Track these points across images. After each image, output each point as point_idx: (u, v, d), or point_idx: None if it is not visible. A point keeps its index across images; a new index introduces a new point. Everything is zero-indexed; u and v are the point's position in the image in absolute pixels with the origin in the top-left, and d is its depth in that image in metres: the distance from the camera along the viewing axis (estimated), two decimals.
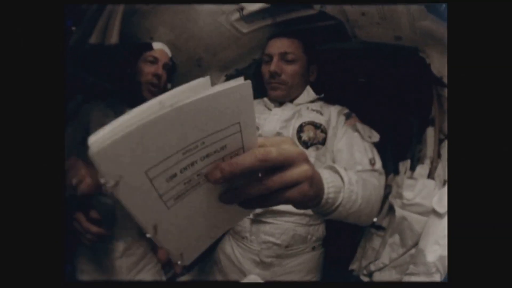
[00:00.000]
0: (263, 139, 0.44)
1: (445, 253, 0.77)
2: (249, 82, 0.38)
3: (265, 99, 1.17)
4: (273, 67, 1.07)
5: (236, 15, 1.14)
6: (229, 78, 1.37)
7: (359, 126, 1.03)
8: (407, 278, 0.84)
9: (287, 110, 1.10)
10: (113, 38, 0.91)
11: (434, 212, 0.82)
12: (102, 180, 0.35)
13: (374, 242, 1.07)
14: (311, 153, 1.02)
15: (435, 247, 0.79)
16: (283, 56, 1.08)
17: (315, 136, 1.03)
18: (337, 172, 0.73)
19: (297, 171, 0.43)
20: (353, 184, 0.74)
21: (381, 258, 1.00)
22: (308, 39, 1.12)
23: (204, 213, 0.45)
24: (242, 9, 1.13)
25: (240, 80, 0.38)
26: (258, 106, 1.18)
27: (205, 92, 0.36)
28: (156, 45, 1.12)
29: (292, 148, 0.43)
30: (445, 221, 0.80)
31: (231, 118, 0.39)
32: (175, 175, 0.39)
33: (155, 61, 1.10)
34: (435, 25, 0.81)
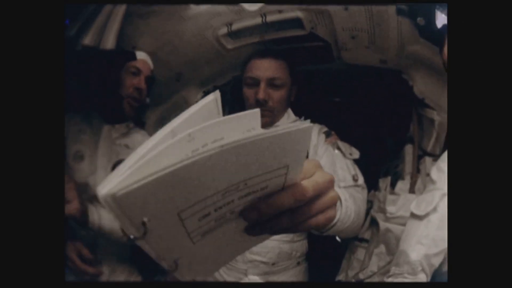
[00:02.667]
0: None
1: (430, 251, 0.79)
2: (311, 126, 0.36)
3: None
4: (261, 95, 1.03)
5: (224, 30, 1.13)
6: (207, 94, 1.33)
7: (340, 144, 1.07)
8: (389, 280, 0.84)
9: None
10: (110, 42, 0.83)
11: (413, 215, 0.85)
12: (124, 229, 0.31)
13: (359, 254, 1.11)
14: None
15: (418, 247, 0.81)
16: (270, 82, 1.05)
17: None
18: None
19: (326, 200, 0.42)
20: (348, 200, 0.80)
21: (369, 267, 1.03)
22: (293, 60, 1.12)
23: (227, 244, 0.43)
24: (231, 24, 1.12)
25: (304, 123, 0.35)
26: None
27: (264, 133, 0.32)
28: (139, 55, 1.06)
29: (323, 178, 0.42)
30: (425, 222, 0.82)
31: (281, 160, 0.36)
32: (208, 214, 0.36)
33: (137, 72, 1.03)
34: (424, 49, 0.89)
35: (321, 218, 0.43)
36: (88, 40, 0.83)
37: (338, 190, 0.76)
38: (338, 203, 0.75)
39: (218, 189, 0.34)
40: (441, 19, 0.79)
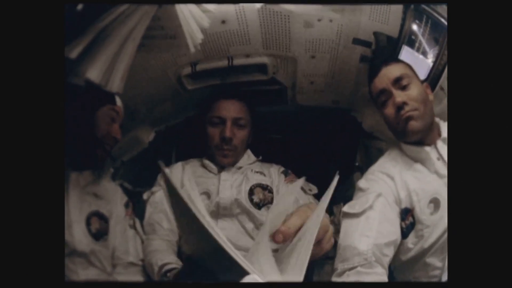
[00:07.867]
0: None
1: (379, 241, 0.79)
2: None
3: (206, 161, 1.14)
4: (228, 133, 1.09)
5: (188, 69, 1.11)
6: (158, 133, 1.24)
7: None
8: (340, 280, 0.81)
9: (235, 174, 1.12)
10: (116, 84, 0.69)
11: (347, 215, 0.88)
12: None
13: (326, 269, 1.14)
14: (263, 213, 1.07)
15: (364, 239, 0.80)
16: (236, 121, 1.11)
17: (264, 198, 1.09)
18: None
19: (330, 233, 0.55)
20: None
21: None
22: (253, 103, 1.18)
23: None
24: (195, 64, 1.11)
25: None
26: (197, 168, 1.14)
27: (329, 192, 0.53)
28: (118, 101, 0.94)
29: (326, 217, 0.57)
30: (363, 218, 0.83)
31: None
32: None
33: (116, 118, 0.92)
34: None
35: (329, 246, 0.55)
36: (95, 75, 0.67)
37: None
38: None
39: None
40: (405, 55, 0.90)
